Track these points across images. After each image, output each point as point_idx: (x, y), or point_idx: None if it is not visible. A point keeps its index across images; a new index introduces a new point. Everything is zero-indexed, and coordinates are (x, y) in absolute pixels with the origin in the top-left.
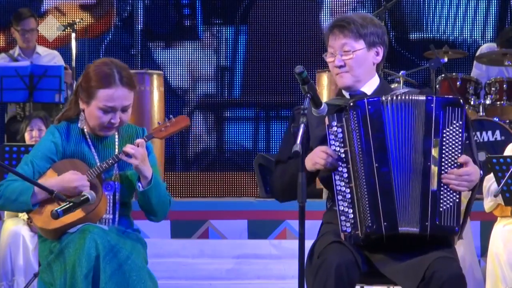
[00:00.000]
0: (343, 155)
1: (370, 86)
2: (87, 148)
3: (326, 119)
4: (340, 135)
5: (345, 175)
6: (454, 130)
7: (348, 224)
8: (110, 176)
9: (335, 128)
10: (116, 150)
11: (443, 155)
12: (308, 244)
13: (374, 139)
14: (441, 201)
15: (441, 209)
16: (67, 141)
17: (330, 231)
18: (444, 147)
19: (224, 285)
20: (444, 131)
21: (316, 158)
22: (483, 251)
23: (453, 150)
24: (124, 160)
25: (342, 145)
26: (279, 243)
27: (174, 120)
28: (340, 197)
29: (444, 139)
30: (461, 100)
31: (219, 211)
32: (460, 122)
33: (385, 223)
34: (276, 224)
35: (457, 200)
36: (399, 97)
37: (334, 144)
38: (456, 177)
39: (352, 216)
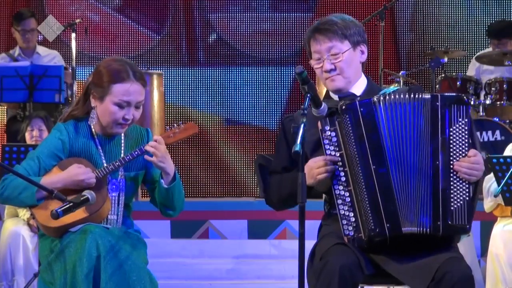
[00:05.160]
0: (339, 159)
1: (358, 87)
2: (94, 147)
3: (319, 123)
4: (335, 139)
5: (343, 178)
6: (460, 128)
7: (350, 228)
8: (115, 177)
9: (328, 133)
10: (123, 150)
11: (451, 154)
12: (308, 244)
13: (369, 141)
14: (452, 200)
15: (452, 208)
16: (74, 139)
17: (332, 232)
18: (451, 146)
19: (224, 285)
20: (451, 129)
21: (315, 171)
22: (483, 251)
23: (460, 149)
24: (132, 158)
25: (337, 148)
26: (279, 243)
27: (183, 127)
28: (340, 201)
29: (451, 137)
30: (465, 97)
31: (219, 211)
32: (466, 120)
33: (387, 225)
34: (276, 224)
35: (467, 198)
36: (392, 97)
37: (329, 149)
38: (468, 165)
39: (354, 219)
